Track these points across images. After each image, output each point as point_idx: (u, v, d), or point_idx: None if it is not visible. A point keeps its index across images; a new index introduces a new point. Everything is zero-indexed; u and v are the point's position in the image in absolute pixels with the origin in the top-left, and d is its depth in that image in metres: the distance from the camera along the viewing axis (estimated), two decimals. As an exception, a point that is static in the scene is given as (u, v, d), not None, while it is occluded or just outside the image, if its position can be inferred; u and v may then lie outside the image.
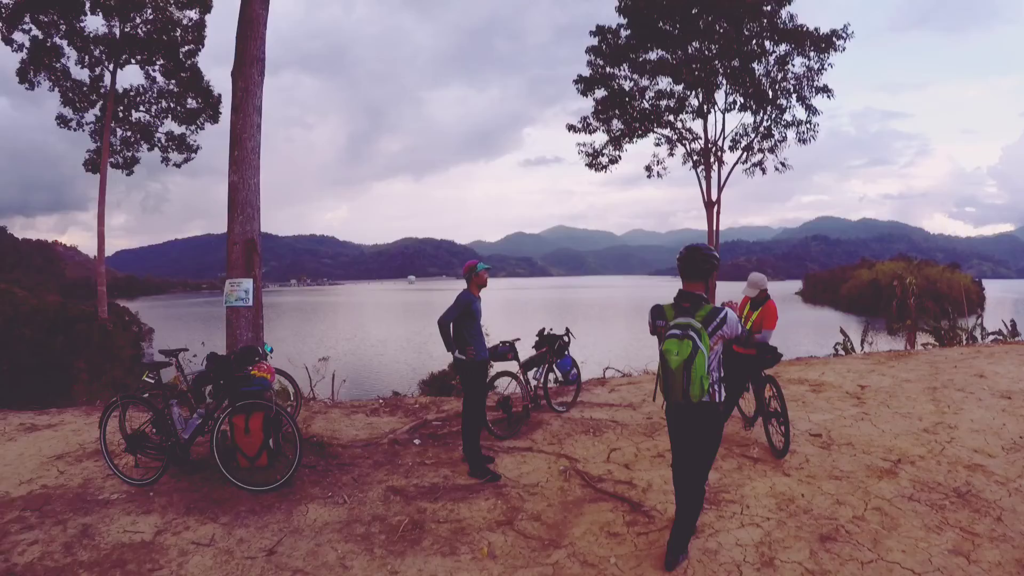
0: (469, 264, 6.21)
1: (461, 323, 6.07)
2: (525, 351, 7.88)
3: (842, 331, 18.03)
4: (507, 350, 7.38)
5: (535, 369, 7.97)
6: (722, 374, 4.18)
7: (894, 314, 33.68)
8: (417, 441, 7.04)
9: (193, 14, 22.51)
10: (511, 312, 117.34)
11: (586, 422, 7.66)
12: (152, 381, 5.97)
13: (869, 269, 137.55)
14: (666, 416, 4.26)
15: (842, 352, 17.10)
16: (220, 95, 23.53)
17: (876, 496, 5.32)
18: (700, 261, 4.13)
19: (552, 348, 8.02)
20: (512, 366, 7.65)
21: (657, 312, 4.20)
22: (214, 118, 23.84)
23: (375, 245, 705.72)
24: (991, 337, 17.45)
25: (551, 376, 8.19)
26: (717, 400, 4.08)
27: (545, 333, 8.18)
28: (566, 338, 8.23)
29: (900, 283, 36.72)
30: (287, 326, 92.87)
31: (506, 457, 6.48)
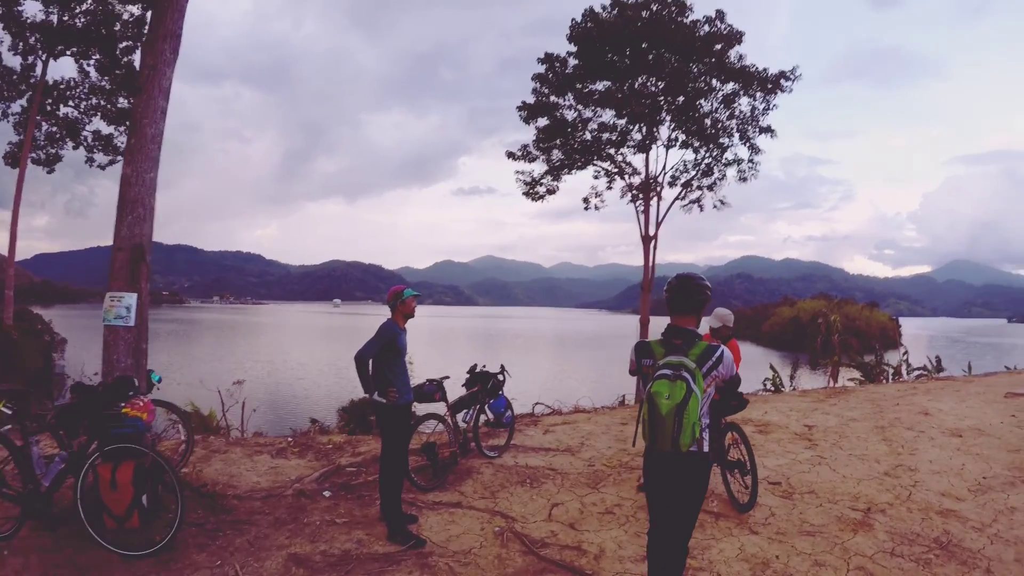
0: (395, 290, 5.33)
1: (383, 359, 5.18)
2: (454, 389, 7.02)
3: (772, 367, 17.89)
4: (434, 390, 6.45)
5: (465, 411, 7.09)
6: (709, 420, 3.53)
7: (818, 350, 34.44)
8: (327, 493, 6.03)
9: (135, 9, 21.28)
10: (436, 341, 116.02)
11: (521, 470, 6.83)
12: (9, 412, 4.80)
13: (791, 307, 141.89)
14: (645, 467, 3.57)
15: (771, 388, 16.94)
16: None
17: (856, 553, 4.84)
18: (693, 292, 3.61)
19: (485, 387, 7.19)
20: (440, 407, 6.80)
21: (643, 349, 3.59)
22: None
23: (302, 266, 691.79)
24: (916, 373, 17.64)
25: (482, 418, 7.32)
26: (705, 449, 3.43)
27: (478, 370, 7.35)
28: (501, 376, 7.43)
29: (824, 320, 37.66)
30: (206, 344, 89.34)
31: (431, 515, 5.56)
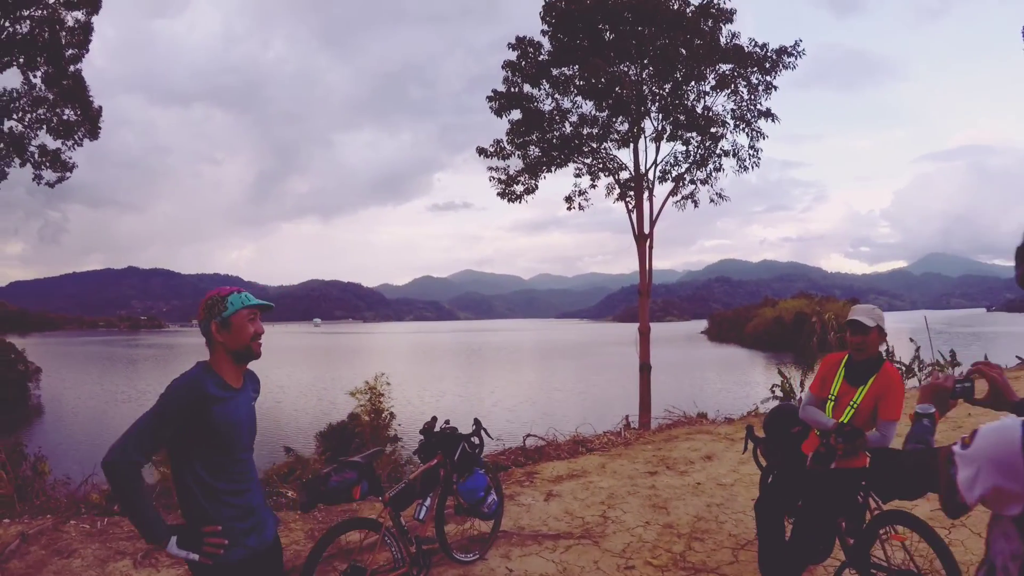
0: (212, 295, 2.77)
1: (185, 461, 2.53)
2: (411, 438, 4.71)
3: (780, 372, 15.87)
4: (352, 482, 3.62)
5: (420, 501, 4.38)
6: None
7: (814, 349, 33.00)
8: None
9: (80, 15, 19.34)
10: (416, 358, 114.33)
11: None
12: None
13: (772, 307, 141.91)
14: None
15: (781, 395, 15.00)
16: (101, 107, 20.68)
17: None
18: None
19: (450, 459, 4.58)
20: (373, 505, 4.64)
21: None
22: (93, 133, 20.86)
23: (280, 286, 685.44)
24: (928, 368, 15.80)
25: (449, 502, 4.92)
26: None
27: (437, 429, 4.74)
28: (475, 439, 4.81)
29: (819, 319, 36.37)
30: (184, 370, 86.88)
31: None
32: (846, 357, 3.87)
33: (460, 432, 4.74)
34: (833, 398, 3.81)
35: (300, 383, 68.02)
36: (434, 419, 4.81)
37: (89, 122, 20.67)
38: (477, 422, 4.92)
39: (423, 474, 4.42)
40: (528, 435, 10.05)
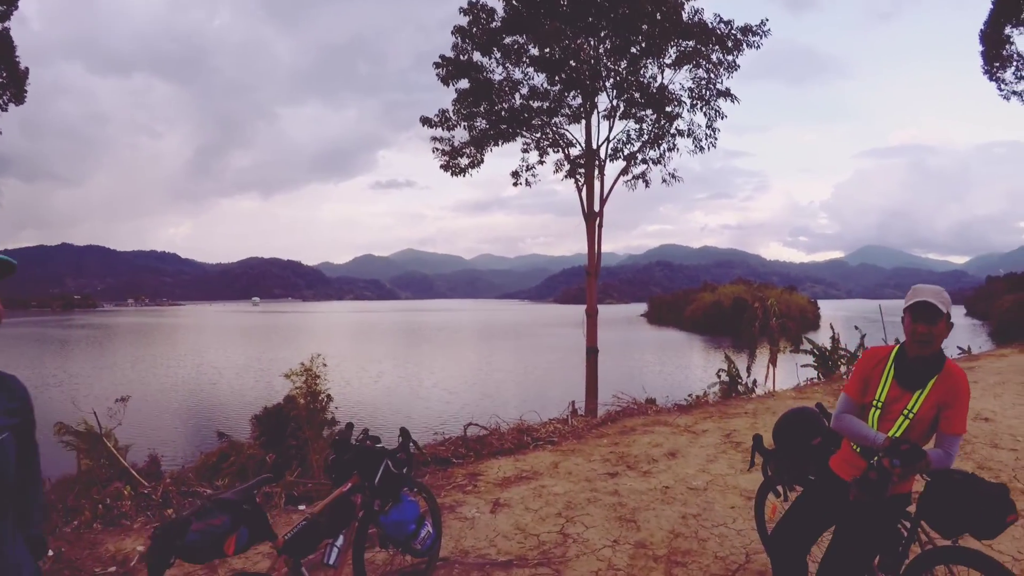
0: None
1: None
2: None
3: (727, 357, 15.40)
4: (223, 531, 2.50)
5: (331, 543, 3.25)
6: None
7: (756, 335, 32.91)
8: None
9: None
10: (356, 338, 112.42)
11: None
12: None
13: (712, 292, 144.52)
14: None
15: (727, 379, 14.51)
16: (27, 69, 19.25)
17: None
18: None
19: (370, 481, 3.46)
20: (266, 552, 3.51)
21: None
22: (19, 97, 19.22)
23: (219, 264, 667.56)
24: None
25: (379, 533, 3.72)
26: None
27: (356, 440, 3.67)
28: (401, 455, 3.68)
29: (762, 304, 36.30)
30: (119, 351, 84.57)
31: None
32: (895, 351, 2.95)
33: (382, 446, 3.63)
34: (879, 405, 2.90)
35: (236, 364, 66.13)
36: (350, 427, 3.75)
37: (15, 85, 19.23)
38: (404, 433, 3.82)
39: (332, 504, 3.21)
40: (469, 424, 9.30)
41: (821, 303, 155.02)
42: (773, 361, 26.13)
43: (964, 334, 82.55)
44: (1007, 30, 21.81)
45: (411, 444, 3.80)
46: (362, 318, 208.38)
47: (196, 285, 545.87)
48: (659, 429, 8.24)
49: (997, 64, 22.46)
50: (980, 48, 22.69)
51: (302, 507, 5.65)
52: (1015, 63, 22.23)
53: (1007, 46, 22.06)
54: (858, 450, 2.95)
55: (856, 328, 16.16)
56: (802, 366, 15.94)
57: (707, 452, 6.95)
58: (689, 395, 12.25)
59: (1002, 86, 22.69)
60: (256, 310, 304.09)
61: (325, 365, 17.46)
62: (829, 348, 15.65)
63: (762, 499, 4.07)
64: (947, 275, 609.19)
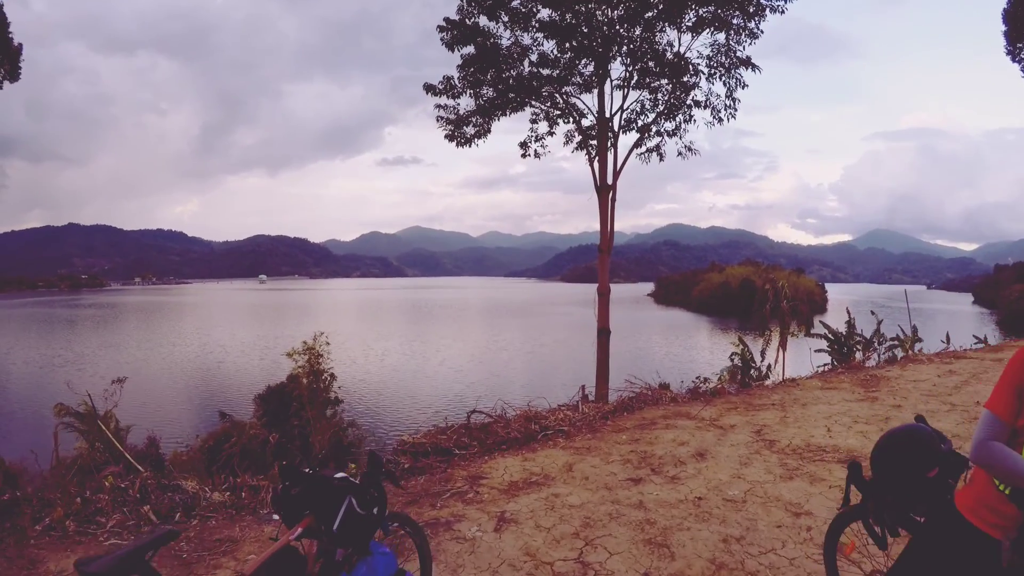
0: None
1: None
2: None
3: (740, 339, 14.50)
4: None
5: None
6: None
7: (767, 317, 32.08)
8: None
9: None
10: (362, 315, 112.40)
11: None
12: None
13: (720, 272, 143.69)
14: None
15: (740, 363, 13.69)
16: (21, 44, 18.39)
17: None
18: None
19: (328, 524, 2.53)
20: None
21: None
22: (13, 74, 18.45)
23: (226, 242, 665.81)
24: (887, 344, 14.72)
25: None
26: None
27: (313, 472, 2.69)
28: (375, 491, 2.74)
29: (772, 286, 35.41)
30: (125, 330, 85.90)
31: None
32: None
33: (345, 476, 2.68)
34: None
35: (243, 342, 66.57)
36: (294, 463, 2.82)
37: (9, 62, 18.47)
38: (374, 460, 2.82)
39: (272, 559, 2.36)
40: (473, 411, 8.57)
41: (828, 287, 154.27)
42: (783, 345, 25.33)
43: (972, 323, 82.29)
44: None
45: (381, 472, 2.82)
46: (369, 295, 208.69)
47: (203, 263, 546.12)
48: (682, 423, 7.46)
49: (1020, 45, 21.61)
50: (1003, 28, 21.82)
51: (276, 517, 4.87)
52: (1039, 44, 21.35)
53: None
54: (1006, 491, 2.07)
55: (873, 313, 15.37)
56: (816, 351, 15.20)
57: (739, 453, 6.15)
58: (698, 377, 11.47)
59: (1026, 67, 21.81)
60: (263, 288, 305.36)
61: (328, 344, 16.93)
62: (845, 333, 14.88)
63: (837, 532, 3.21)
64: (955, 262, 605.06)
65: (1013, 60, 21.79)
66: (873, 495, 2.71)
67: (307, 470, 2.55)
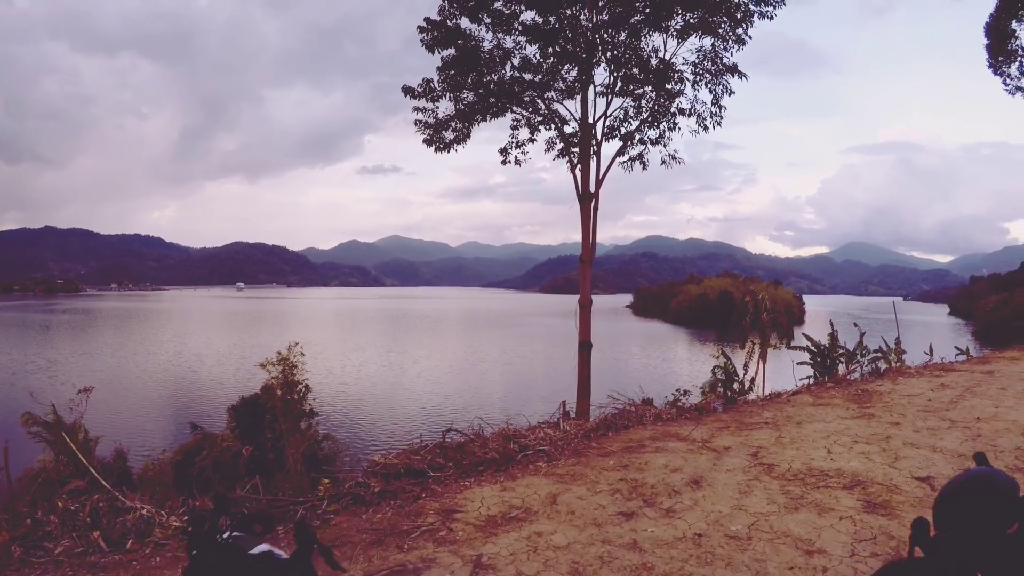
0: None
1: None
2: None
3: (723, 352, 14.03)
4: None
5: None
6: None
7: (746, 329, 31.89)
8: None
9: None
10: (340, 325, 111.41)
11: None
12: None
13: (698, 284, 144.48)
14: None
15: (723, 376, 13.26)
16: None
17: None
18: None
19: None
20: None
21: None
22: None
23: (204, 248, 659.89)
24: (870, 356, 14.39)
25: None
26: None
27: (221, 538, 1.83)
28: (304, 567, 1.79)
29: (752, 298, 35.30)
30: (99, 337, 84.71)
31: None
32: None
33: (269, 549, 1.81)
34: None
35: (219, 351, 65.51)
36: (211, 512, 1.94)
37: None
38: (303, 531, 1.84)
39: None
40: (449, 429, 8.07)
41: (806, 298, 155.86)
42: (763, 358, 25.05)
43: (949, 334, 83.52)
44: (1013, 24, 21.05)
45: (316, 547, 1.84)
46: (347, 305, 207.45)
47: (180, 269, 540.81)
48: (672, 444, 6.95)
49: (1002, 58, 21.67)
50: (985, 41, 21.91)
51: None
52: (1020, 58, 21.44)
53: (1013, 40, 21.29)
54: None
55: (855, 325, 15.07)
56: (798, 363, 14.86)
57: (737, 479, 5.64)
58: (677, 390, 11.08)
59: (1007, 81, 21.90)
60: (240, 296, 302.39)
61: (303, 354, 16.31)
62: (828, 345, 14.55)
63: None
64: (930, 274, 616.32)
65: (995, 73, 21.87)
66: (941, 551, 2.10)
67: (225, 535, 1.81)
